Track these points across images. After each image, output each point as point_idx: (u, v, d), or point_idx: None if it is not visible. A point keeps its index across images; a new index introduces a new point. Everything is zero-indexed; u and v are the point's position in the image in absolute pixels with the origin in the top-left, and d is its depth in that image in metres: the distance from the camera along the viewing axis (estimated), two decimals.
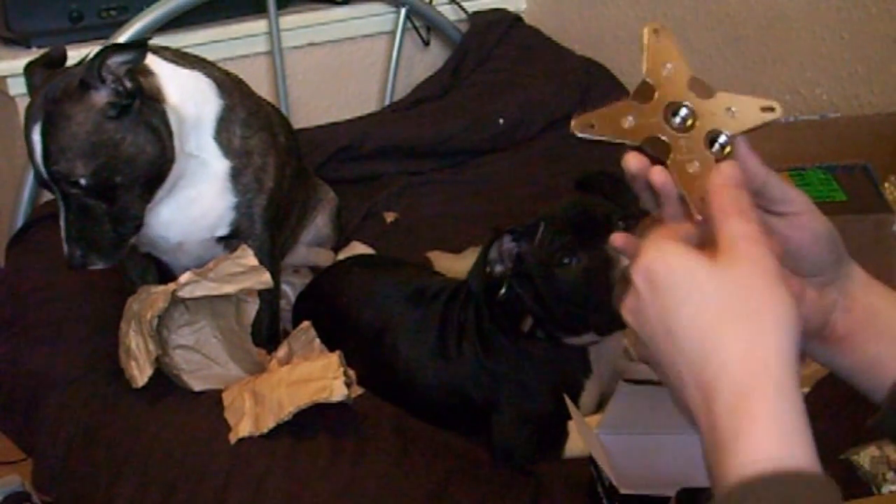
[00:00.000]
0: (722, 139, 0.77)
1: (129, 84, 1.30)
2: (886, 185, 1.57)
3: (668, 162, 0.77)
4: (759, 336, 0.66)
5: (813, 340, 0.82)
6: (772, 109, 0.78)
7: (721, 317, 0.67)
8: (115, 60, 1.28)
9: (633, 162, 0.79)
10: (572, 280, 1.24)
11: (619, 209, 1.25)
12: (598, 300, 1.21)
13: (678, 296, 0.68)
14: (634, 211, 1.26)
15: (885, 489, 1.09)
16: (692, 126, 0.77)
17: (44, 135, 1.30)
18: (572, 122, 0.78)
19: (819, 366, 1.40)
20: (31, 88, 1.38)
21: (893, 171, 1.60)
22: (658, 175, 0.77)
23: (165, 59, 1.42)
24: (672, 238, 0.72)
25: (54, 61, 1.41)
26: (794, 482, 0.62)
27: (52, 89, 1.32)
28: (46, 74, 1.37)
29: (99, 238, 1.34)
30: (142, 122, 1.32)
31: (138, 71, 1.33)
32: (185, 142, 1.39)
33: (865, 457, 1.12)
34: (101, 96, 1.29)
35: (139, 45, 1.31)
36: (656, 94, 0.78)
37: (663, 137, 0.77)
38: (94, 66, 1.28)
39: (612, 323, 1.25)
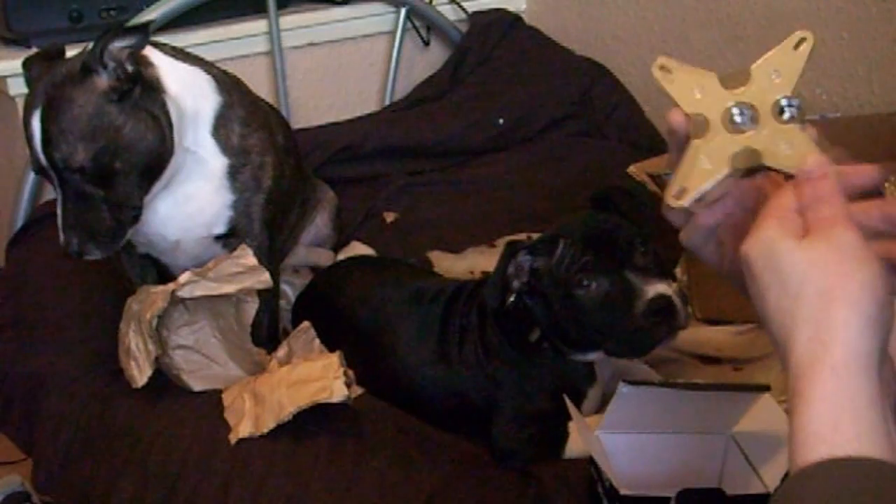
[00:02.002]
0: (784, 102, 0.77)
1: (130, 68, 1.29)
2: (886, 185, 1.57)
3: (693, 141, 0.77)
4: (825, 317, 0.66)
5: None
6: (803, 40, 0.78)
7: (796, 300, 0.68)
8: (116, 45, 1.28)
9: (675, 119, 0.79)
10: (591, 303, 1.21)
11: (639, 231, 1.23)
12: (616, 326, 1.20)
13: (765, 281, 0.70)
14: (652, 229, 1.26)
15: None
16: (758, 116, 0.77)
17: (44, 120, 1.29)
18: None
19: None
20: (30, 81, 1.38)
21: (893, 172, 1.60)
22: (673, 116, 0.78)
23: (165, 52, 1.42)
24: (773, 215, 0.72)
25: (53, 56, 1.40)
26: (839, 470, 0.62)
27: (54, 75, 1.31)
28: (45, 66, 1.36)
29: (97, 226, 1.32)
30: (143, 108, 1.32)
31: (139, 61, 1.33)
32: (183, 136, 1.39)
33: None
34: (102, 80, 1.29)
35: (141, 29, 1.31)
36: (710, 122, 0.77)
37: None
38: (96, 50, 1.28)
39: (626, 350, 1.24)
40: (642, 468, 1.11)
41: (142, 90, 1.32)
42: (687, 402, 1.08)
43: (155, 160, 1.34)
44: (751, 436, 1.10)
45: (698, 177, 0.76)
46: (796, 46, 0.78)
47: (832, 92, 2.09)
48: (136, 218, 1.36)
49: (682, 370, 1.48)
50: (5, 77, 2.08)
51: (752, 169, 0.77)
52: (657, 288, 1.18)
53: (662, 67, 0.78)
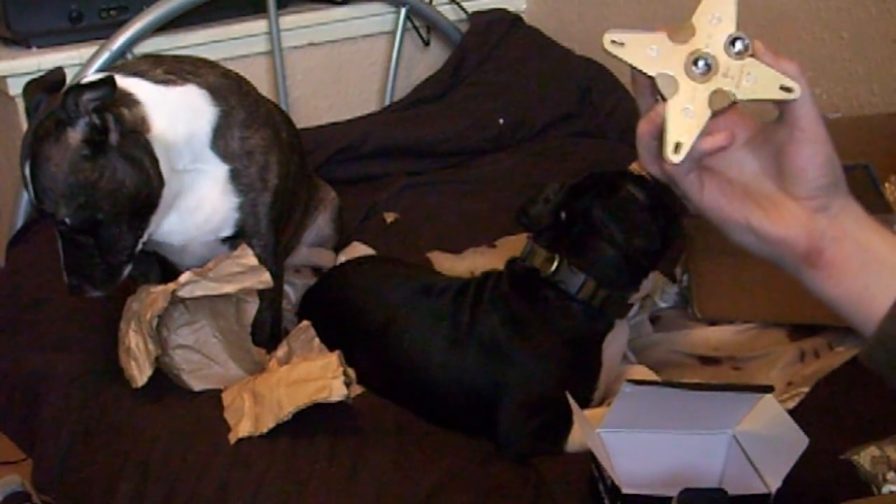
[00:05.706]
0: (733, 39, 0.82)
1: (97, 121, 1.29)
2: (886, 185, 1.57)
3: (669, 100, 0.81)
4: None
5: (802, 265, 0.84)
6: None
7: None
8: (87, 97, 1.28)
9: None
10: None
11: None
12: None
13: None
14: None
15: (885, 489, 1.09)
16: (715, 59, 0.82)
17: (32, 174, 1.31)
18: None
19: (819, 366, 1.40)
20: (28, 112, 1.38)
21: (893, 171, 1.60)
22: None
23: (155, 80, 1.39)
24: None
25: (53, 85, 1.39)
26: None
27: (39, 126, 1.31)
28: (43, 100, 1.35)
29: (91, 269, 1.36)
30: (121, 156, 1.31)
31: (124, 101, 1.32)
32: (175, 162, 1.38)
33: (865, 457, 1.12)
34: (76, 134, 1.29)
35: (106, 82, 1.28)
36: (676, 78, 0.82)
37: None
38: (67, 105, 1.28)
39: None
40: (644, 467, 1.11)
41: (121, 135, 1.31)
42: (689, 402, 1.08)
43: (141, 202, 1.34)
44: (752, 436, 1.10)
45: (687, 129, 0.81)
46: None
47: (832, 92, 2.09)
48: (129, 257, 1.38)
49: (681, 371, 1.48)
50: (5, 77, 2.08)
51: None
52: None
53: (613, 42, 0.82)
